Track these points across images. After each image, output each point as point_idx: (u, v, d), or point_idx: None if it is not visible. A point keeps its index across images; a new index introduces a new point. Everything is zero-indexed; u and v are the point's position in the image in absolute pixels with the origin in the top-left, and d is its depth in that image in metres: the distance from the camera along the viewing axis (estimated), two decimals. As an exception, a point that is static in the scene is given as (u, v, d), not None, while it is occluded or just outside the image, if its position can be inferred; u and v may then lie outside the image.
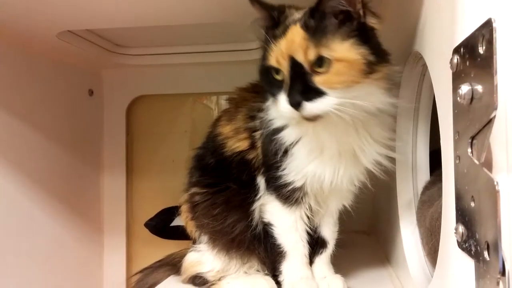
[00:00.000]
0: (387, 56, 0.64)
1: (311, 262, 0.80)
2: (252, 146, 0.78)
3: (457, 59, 0.44)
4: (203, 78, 1.39)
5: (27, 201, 1.09)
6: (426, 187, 0.79)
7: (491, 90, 0.36)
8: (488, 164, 0.39)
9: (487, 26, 0.37)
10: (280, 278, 0.78)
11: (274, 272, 0.80)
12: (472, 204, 0.41)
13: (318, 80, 0.59)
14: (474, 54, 0.40)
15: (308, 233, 0.78)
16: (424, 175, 0.82)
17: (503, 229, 0.36)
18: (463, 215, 0.44)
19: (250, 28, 0.67)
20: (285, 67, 0.62)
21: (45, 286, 1.13)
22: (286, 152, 0.71)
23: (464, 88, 0.40)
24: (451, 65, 0.45)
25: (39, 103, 1.15)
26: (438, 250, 0.57)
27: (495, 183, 0.36)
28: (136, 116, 1.48)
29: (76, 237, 1.28)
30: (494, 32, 0.36)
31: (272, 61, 0.63)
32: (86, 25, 1.03)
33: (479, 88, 0.39)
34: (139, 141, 1.48)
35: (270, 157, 0.74)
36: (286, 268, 0.77)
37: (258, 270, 0.83)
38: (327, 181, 0.70)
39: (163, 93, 1.45)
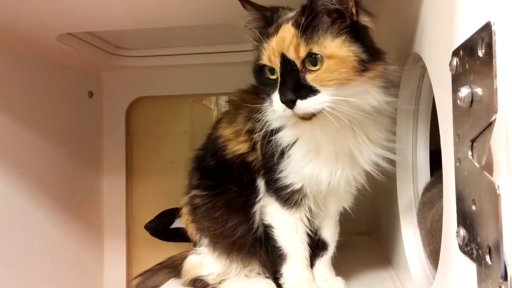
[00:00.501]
0: (381, 54, 0.64)
1: (312, 264, 0.80)
2: (252, 148, 0.78)
3: (457, 61, 0.44)
4: (202, 79, 1.39)
5: (27, 203, 1.09)
6: (427, 188, 0.79)
7: (491, 93, 0.36)
8: (489, 167, 0.39)
9: (486, 29, 0.37)
10: (281, 281, 0.78)
11: (275, 275, 0.80)
12: (473, 207, 0.41)
13: (310, 78, 0.59)
14: (474, 57, 0.39)
15: (308, 235, 0.78)
16: (424, 176, 0.82)
17: (505, 233, 0.36)
18: (464, 218, 0.43)
19: (243, 30, 0.68)
20: (277, 64, 0.62)
21: (46, 289, 1.13)
22: (283, 153, 0.71)
23: (464, 91, 0.40)
24: (450, 68, 0.45)
25: (39, 105, 1.15)
26: (439, 252, 0.56)
27: (496, 186, 0.36)
28: (136, 117, 1.48)
29: (76, 239, 1.28)
30: (493, 35, 0.36)
31: (265, 59, 0.64)
32: (86, 27, 1.04)
33: (479, 91, 0.39)
34: (138, 143, 1.48)
35: (268, 159, 0.74)
36: (287, 271, 0.77)
37: (259, 273, 0.83)
38: (325, 182, 0.70)
39: (162, 95, 1.45)
